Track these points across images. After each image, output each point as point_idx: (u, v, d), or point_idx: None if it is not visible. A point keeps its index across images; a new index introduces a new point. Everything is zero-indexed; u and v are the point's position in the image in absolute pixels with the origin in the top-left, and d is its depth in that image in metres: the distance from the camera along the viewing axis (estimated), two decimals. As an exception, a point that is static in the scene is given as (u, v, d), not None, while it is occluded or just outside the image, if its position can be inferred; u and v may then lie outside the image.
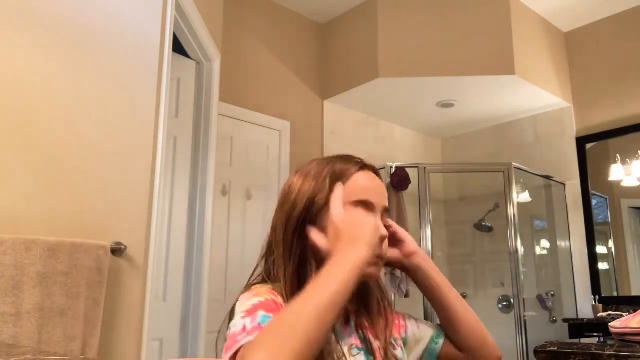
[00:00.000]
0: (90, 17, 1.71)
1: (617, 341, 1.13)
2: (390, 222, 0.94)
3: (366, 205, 0.86)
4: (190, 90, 2.70)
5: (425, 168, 3.58)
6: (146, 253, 1.77)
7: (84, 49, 1.69)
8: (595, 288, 3.72)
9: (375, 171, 0.92)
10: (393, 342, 0.91)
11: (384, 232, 0.85)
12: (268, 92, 3.59)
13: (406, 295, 3.21)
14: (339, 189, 0.86)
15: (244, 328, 0.73)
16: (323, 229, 0.84)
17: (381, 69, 3.53)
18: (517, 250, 3.44)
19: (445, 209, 4.57)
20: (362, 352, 0.85)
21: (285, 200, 0.89)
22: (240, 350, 0.67)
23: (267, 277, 0.87)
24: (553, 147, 4.06)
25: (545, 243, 4.12)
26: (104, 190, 1.67)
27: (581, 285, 3.80)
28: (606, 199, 3.79)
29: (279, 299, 0.81)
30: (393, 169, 3.43)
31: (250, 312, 0.75)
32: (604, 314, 3.42)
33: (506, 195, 3.57)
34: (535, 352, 1.14)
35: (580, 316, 3.76)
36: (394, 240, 0.94)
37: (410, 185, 3.45)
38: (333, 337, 0.83)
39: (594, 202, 3.83)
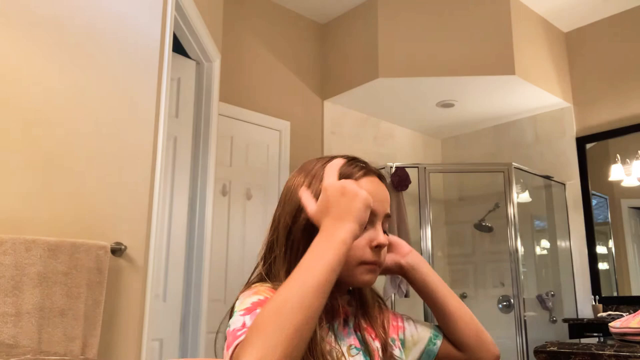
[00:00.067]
0: (90, 17, 1.71)
1: (617, 341, 1.13)
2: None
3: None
4: (190, 90, 2.70)
5: (425, 168, 3.58)
6: (146, 253, 1.77)
7: (84, 49, 1.69)
8: (595, 288, 3.72)
9: (380, 176, 0.91)
10: (391, 342, 0.91)
11: (384, 240, 0.85)
12: (268, 92, 3.59)
13: (406, 295, 3.21)
14: (338, 161, 0.86)
15: (244, 325, 0.73)
16: None
17: (381, 69, 3.53)
18: (517, 250, 3.44)
19: (445, 209, 4.57)
20: (361, 352, 0.85)
21: (287, 199, 0.89)
22: (236, 349, 0.68)
23: (268, 276, 0.87)
24: (553, 147, 4.06)
25: (545, 243, 4.12)
26: (104, 190, 1.67)
27: (581, 285, 3.80)
28: (606, 199, 3.79)
29: None
30: (393, 169, 3.43)
31: (250, 310, 0.75)
32: (604, 314, 3.42)
33: (506, 195, 3.57)
34: (535, 352, 1.14)
35: (580, 316, 3.76)
36: (388, 247, 0.95)
37: (410, 185, 3.45)
38: (332, 336, 0.83)
39: (594, 202, 3.83)
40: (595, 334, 3.30)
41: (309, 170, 0.90)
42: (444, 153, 4.77)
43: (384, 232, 0.88)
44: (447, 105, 3.98)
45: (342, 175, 0.86)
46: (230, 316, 0.78)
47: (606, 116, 3.84)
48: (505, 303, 3.91)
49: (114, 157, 1.71)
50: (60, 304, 1.43)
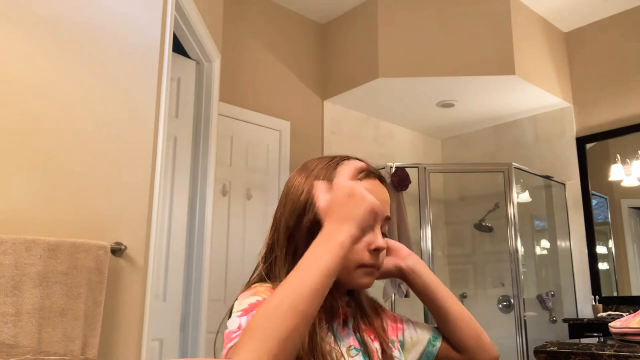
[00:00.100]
0: (90, 17, 1.71)
1: (617, 341, 1.13)
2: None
3: None
4: (190, 90, 2.70)
5: (425, 168, 3.58)
6: (146, 253, 1.77)
7: (84, 49, 1.69)
8: (595, 288, 3.72)
9: (381, 178, 0.91)
10: (390, 344, 0.91)
11: (382, 243, 0.84)
12: (268, 92, 3.59)
13: (406, 295, 3.21)
14: (355, 163, 0.87)
15: (239, 327, 0.73)
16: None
17: (381, 69, 3.53)
18: (517, 250, 3.44)
19: (445, 209, 4.57)
20: (361, 353, 0.85)
21: (288, 199, 0.88)
22: (229, 351, 0.68)
23: (268, 276, 0.87)
24: (553, 147, 4.06)
25: (545, 243, 4.12)
26: (104, 190, 1.67)
27: (581, 285, 3.80)
28: (606, 199, 3.79)
29: None
30: (393, 169, 3.43)
31: (247, 311, 0.76)
32: (604, 314, 3.42)
33: (506, 195, 3.57)
34: (535, 352, 1.14)
35: (580, 316, 3.76)
36: (387, 251, 0.94)
37: (410, 185, 3.45)
38: (332, 337, 0.83)
39: (594, 202, 3.83)
40: (595, 334, 3.30)
41: (310, 170, 0.89)
42: (444, 153, 4.77)
43: (383, 234, 0.88)
44: (447, 105, 3.98)
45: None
46: (229, 316, 0.78)
47: (606, 116, 3.84)
48: (505, 303, 3.91)
49: (114, 157, 1.71)
50: (60, 304, 1.43)
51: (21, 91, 1.53)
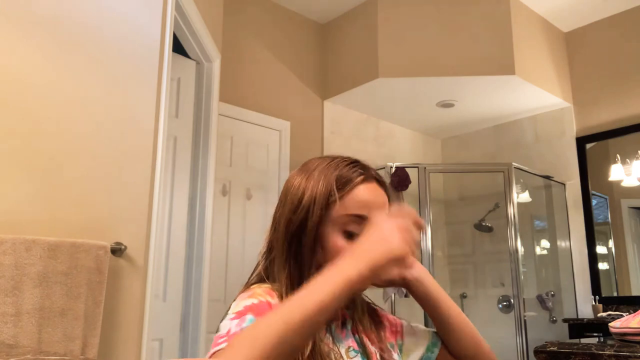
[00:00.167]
0: (90, 17, 1.71)
1: (617, 341, 1.13)
2: None
3: (362, 219, 0.83)
4: (190, 90, 2.70)
5: (425, 168, 3.58)
6: (146, 253, 1.77)
7: (83, 49, 1.69)
8: (595, 288, 3.72)
9: (380, 180, 0.89)
10: (389, 347, 0.91)
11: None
12: (268, 92, 3.59)
13: (406, 296, 3.21)
14: (411, 211, 0.82)
15: (228, 332, 0.73)
16: (323, 230, 0.83)
17: (381, 69, 3.53)
18: (517, 250, 3.44)
19: (445, 209, 4.57)
20: (359, 355, 0.85)
21: (287, 199, 0.87)
22: (212, 356, 0.68)
23: (267, 277, 0.87)
24: (553, 147, 4.06)
25: (545, 243, 4.12)
26: (104, 190, 1.67)
27: (581, 285, 3.80)
28: (606, 199, 3.79)
29: (275, 300, 0.80)
30: (393, 169, 3.43)
31: (241, 313, 0.76)
32: (604, 314, 3.42)
33: (506, 195, 3.57)
34: (535, 352, 1.14)
35: (580, 316, 3.76)
36: None
37: (410, 185, 3.45)
38: (330, 338, 0.83)
39: (594, 202, 3.83)
40: (595, 334, 3.30)
41: (310, 170, 0.88)
42: (444, 153, 4.77)
43: None
44: (447, 105, 3.98)
45: (341, 179, 0.85)
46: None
47: (606, 116, 3.84)
48: (505, 303, 3.91)
49: (113, 156, 1.71)
50: (60, 304, 1.43)
51: (21, 91, 1.53)
